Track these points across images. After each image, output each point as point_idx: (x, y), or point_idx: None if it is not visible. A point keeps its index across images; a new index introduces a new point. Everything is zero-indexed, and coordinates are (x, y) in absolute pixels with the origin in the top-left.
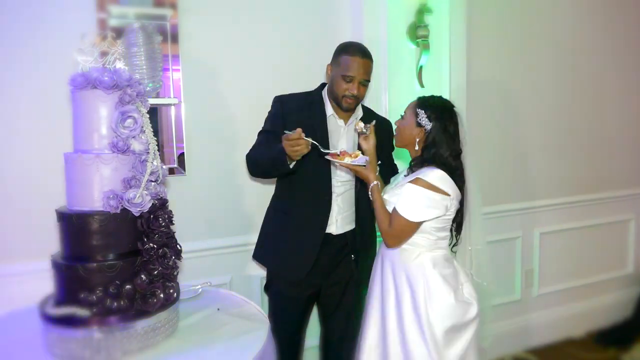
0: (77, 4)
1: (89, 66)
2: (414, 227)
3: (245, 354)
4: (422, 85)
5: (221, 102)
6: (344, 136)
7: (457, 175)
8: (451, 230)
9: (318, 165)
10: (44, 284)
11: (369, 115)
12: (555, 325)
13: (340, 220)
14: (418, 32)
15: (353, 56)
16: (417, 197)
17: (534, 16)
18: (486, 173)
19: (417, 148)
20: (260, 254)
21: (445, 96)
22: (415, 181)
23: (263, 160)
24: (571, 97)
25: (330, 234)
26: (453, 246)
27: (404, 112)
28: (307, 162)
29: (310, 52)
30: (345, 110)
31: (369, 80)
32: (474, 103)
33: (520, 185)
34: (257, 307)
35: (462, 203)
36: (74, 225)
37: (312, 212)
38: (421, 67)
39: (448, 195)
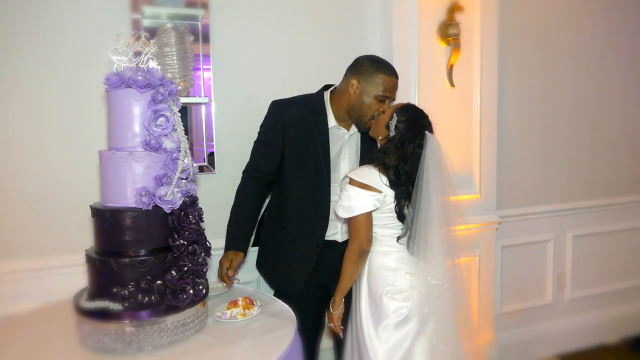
0: (112, 5)
1: (124, 66)
2: (357, 221)
3: (272, 351)
4: (452, 85)
5: (251, 102)
6: (347, 145)
7: (400, 186)
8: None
9: (316, 183)
10: (79, 278)
11: None
12: (587, 331)
13: (345, 227)
14: (449, 31)
15: (390, 77)
16: (349, 196)
17: (567, 13)
18: (519, 174)
19: (379, 146)
20: (261, 266)
21: (476, 96)
22: (349, 181)
23: (230, 221)
24: (609, 97)
25: (335, 241)
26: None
27: (389, 108)
28: (305, 180)
29: (340, 50)
30: (364, 131)
31: None
32: (505, 103)
33: (553, 187)
34: (284, 305)
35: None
36: (107, 220)
37: (308, 230)
38: (452, 66)
39: (379, 192)
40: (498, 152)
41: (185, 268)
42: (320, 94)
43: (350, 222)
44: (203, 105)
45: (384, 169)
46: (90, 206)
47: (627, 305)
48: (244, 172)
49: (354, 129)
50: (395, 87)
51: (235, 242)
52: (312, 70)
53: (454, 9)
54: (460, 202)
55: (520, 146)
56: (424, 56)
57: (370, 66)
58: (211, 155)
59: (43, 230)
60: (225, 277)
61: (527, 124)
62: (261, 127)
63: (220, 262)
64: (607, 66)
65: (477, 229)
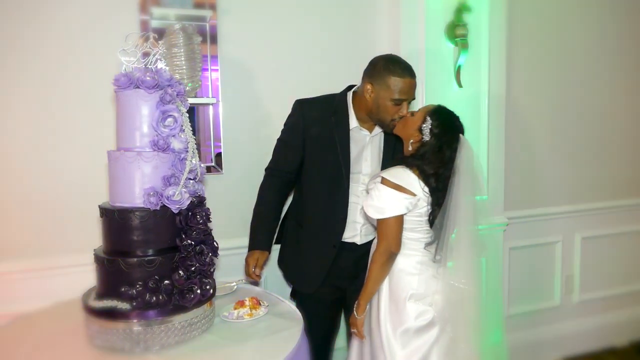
0: (121, 6)
1: (132, 67)
2: (388, 224)
3: (279, 352)
4: (460, 85)
5: (258, 102)
6: (369, 146)
7: (439, 191)
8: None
9: (335, 184)
10: (87, 277)
11: None
12: (595, 334)
13: (364, 230)
14: (457, 31)
15: (403, 78)
16: (380, 196)
17: (576, 12)
18: (526, 175)
19: (410, 148)
20: (281, 262)
21: (484, 97)
22: (382, 181)
23: (253, 220)
24: (620, 98)
25: (354, 243)
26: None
27: (419, 110)
28: (324, 181)
29: (347, 50)
30: (390, 132)
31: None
32: (513, 104)
33: (561, 189)
34: (292, 306)
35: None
36: (115, 220)
37: (325, 230)
38: (459, 66)
39: (413, 195)
40: (506, 153)
41: (193, 268)
42: (343, 94)
43: (380, 223)
44: (211, 106)
45: (424, 176)
46: (99, 206)
47: (636, 307)
48: (266, 170)
49: (376, 130)
50: (411, 87)
51: (259, 241)
52: (320, 70)
53: (461, 9)
54: (485, 201)
55: (529, 147)
56: (432, 56)
57: (383, 69)
58: (219, 155)
59: (52, 229)
60: (253, 274)
61: (535, 125)
62: (284, 125)
63: (247, 261)
64: (618, 66)
65: (484, 230)
